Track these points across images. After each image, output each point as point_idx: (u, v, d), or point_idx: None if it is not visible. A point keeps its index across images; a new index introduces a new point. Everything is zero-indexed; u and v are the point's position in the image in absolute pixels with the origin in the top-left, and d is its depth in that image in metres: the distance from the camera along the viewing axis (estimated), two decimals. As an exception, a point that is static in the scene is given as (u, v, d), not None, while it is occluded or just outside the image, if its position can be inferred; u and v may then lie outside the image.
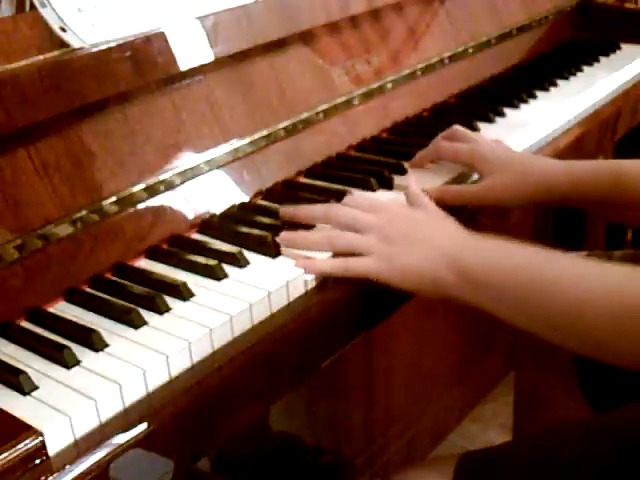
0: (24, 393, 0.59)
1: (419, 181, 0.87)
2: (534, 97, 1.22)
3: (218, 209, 0.86)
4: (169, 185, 0.82)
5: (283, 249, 0.77)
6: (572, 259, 0.71)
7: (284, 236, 0.78)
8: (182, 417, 0.61)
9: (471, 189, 0.92)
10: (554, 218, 1.78)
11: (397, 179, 0.94)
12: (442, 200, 0.89)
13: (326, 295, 0.74)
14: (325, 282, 0.75)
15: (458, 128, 0.99)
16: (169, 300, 0.70)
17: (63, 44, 0.78)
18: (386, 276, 0.73)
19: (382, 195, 0.91)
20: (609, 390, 0.92)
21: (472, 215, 0.91)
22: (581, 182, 0.89)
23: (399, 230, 0.76)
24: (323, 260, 0.76)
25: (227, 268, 0.74)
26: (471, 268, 0.71)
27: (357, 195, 0.84)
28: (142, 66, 0.80)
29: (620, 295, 0.64)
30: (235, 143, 0.90)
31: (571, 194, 0.90)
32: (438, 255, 0.73)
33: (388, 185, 0.92)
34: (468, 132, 0.99)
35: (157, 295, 0.70)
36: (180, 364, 0.63)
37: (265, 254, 0.77)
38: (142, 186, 0.80)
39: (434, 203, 0.82)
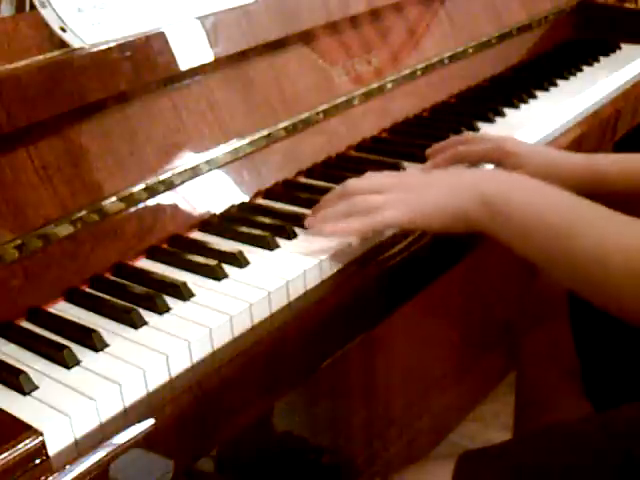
0: (24, 393, 0.59)
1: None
2: (534, 97, 1.22)
3: (218, 209, 0.86)
4: (169, 185, 0.82)
5: (283, 248, 0.78)
6: (604, 210, 0.70)
7: (309, 220, 0.80)
8: (182, 417, 0.61)
9: None
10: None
11: (397, 179, 0.94)
12: None
13: (326, 295, 0.74)
14: (325, 282, 0.75)
15: (469, 133, 1.01)
16: (169, 300, 0.70)
17: (63, 44, 0.78)
18: (412, 220, 0.74)
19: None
20: (612, 389, 0.92)
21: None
22: (606, 179, 0.89)
23: (419, 180, 0.78)
24: (348, 223, 0.76)
25: (227, 268, 0.74)
26: (497, 201, 0.71)
27: (369, 173, 0.85)
28: (142, 66, 0.80)
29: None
30: (235, 143, 0.90)
31: (596, 191, 0.90)
32: (464, 188, 0.73)
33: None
34: (480, 134, 0.99)
35: (157, 295, 0.70)
36: (180, 364, 0.63)
37: (265, 254, 0.77)
38: (142, 186, 0.80)
39: None
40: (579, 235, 0.67)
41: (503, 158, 0.92)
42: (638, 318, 0.66)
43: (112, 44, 0.78)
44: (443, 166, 0.94)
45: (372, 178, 0.80)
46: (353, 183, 0.81)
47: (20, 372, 0.60)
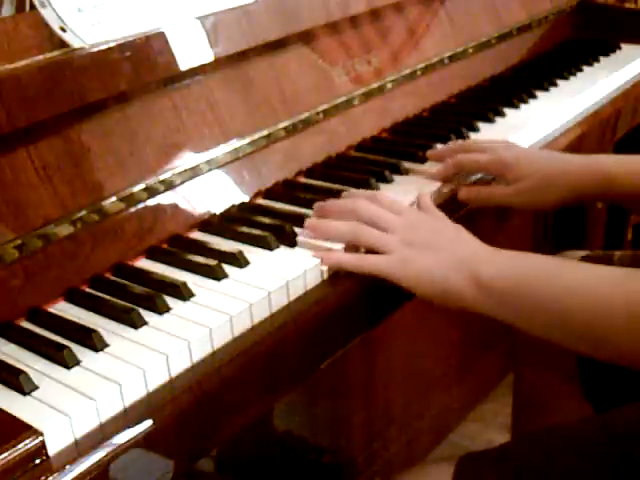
0: (24, 393, 0.59)
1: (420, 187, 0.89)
2: (534, 97, 1.22)
3: (218, 209, 0.86)
4: (169, 185, 0.82)
5: (300, 239, 0.78)
6: (591, 267, 0.71)
7: (310, 222, 0.80)
8: (182, 417, 0.61)
9: (503, 191, 0.91)
10: (554, 219, 1.78)
11: (397, 179, 0.94)
12: (472, 201, 0.91)
13: (326, 295, 0.74)
14: (325, 282, 0.75)
15: (469, 142, 1.01)
16: (169, 300, 0.70)
17: (63, 44, 0.78)
18: (399, 277, 0.74)
19: (384, 191, 0.91)
20: (611, 390, 0.92)
21: (472, 216, 0.91)
22: (614, 181, 0.89)
23: (420, 235, 0.77)
24: (341, 253, 0.77)
25: (227, 268, 0.74)
26: (490, 280, 0.71)
27: (382, 194, 0.84)
28: (142, 66, 0.80)
29: None
30: (235, 143, 0.90)
31: (601, 194, 0.91)
32: (455, 264, 0.73)
33: (388, 185, 0.92)
34: (480, 142, 0.99)
35: (157, 295, 0.70)
36: (180, 364, 0.63)
37: (265, 254, 0.77)
38: (142, 186, 0.80)
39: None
40: (576, 298, 0.68)
41: (503, 171, 0.91)
42: None
43: (112, 44, 0.78)
44: (444, 176, 0.93)
45: (383, 212, 0.79)
46: (364, 206, 0.79)
47: (20, 372, 0.60)
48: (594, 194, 0.91)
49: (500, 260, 0.74)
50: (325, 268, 0.75)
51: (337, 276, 0.76)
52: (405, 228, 0.77)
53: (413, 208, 0.84)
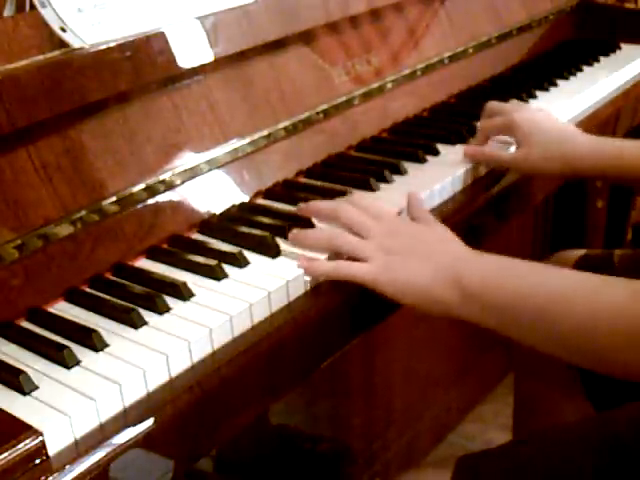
0: (24, 393, 0.59)
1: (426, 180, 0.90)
2: (534, 97, 1.23)
3: (218, 209, 0.86)
4: (169, 185, 0.82)
5: (283, 248, 0.77)
6: (579, 275, 0.69)
7: (293, 233, 0.79)
8: (182, 417, 0.61)
9: (507, 155, 0.96)
10: (554, 218, 1.78)
11: (397, 179, 0.94)
12: (477, 160, 0.95)
13: (326, 295, 0.74)
14: (323, 283, 0.75)
15: (492, 103, 1.04)
16: (169, 300, 0.70)
17: (63, 44, 0.78)
18: (382, 286, 0.72)
19: (384, 191, 0.91)
20: (612, 389, 0.91)
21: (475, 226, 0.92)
22: (610, 163, 0.92)
23: (399, 240, 0.75)
24: (322, 262, 0.75)
25: (227, 268, 0.74)
26: (474, 287, 0.69)
27: (364, 198, 0.84)
28: (142, 66, 0.80)
29: (630, 314, 0.63)
30: (235, 143, 0.90)
31: (602, 172, 0.94)
32: (438, 271, 0.71)
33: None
34: (504, 105, 1.04)
35: (157, 295, 0.70)
36: (180, 364, 0.63)
37: (265, 254, 0.77)
38: (142, 186, 0.80)
39: (436, 219, 0.80)
40: (564, 307, 0.66)
41: (511, 132, 0.97)
42: (630, 377, 0.65)
43: (112, 44, 0.78)
44: (473, 151, 0.97)
45: (362, 217, 0.77)
46: (344, 210, 0.78)
47: (20, 372, 0.60)
48: (594, 172, 0.94)
49: (483, 266, 0.71)
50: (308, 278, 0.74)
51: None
52: (383, 234, 0.75)
53: (394, 214, 0.82)
